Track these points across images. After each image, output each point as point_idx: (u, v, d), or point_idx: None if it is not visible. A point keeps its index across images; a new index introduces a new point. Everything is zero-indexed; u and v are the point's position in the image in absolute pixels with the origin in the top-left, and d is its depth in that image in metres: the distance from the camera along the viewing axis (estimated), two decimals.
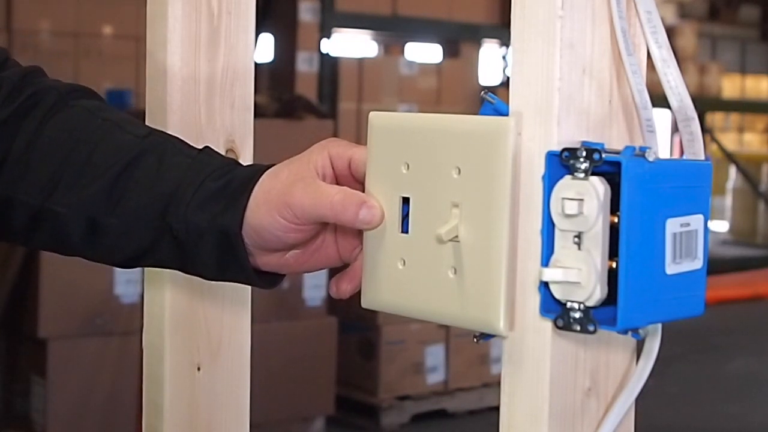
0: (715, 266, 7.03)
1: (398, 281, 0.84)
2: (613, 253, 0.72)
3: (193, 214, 0.87)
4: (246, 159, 1.06)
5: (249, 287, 1.05)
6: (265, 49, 6.36)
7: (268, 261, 0.89)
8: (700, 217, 0.76)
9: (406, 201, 0.84)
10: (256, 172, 0.88)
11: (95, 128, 0.93)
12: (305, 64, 6.13)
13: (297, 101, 4.52)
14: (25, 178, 0.92)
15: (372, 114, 0.87)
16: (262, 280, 0.90)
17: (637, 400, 0.80)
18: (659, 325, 0.78)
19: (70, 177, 0.91)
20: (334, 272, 0.90)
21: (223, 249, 0.87)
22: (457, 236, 0.80)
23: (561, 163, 0.73)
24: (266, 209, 0.85)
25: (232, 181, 0.87)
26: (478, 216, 0.79)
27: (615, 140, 0.78)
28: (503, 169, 0.77)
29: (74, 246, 0.93)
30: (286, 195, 0.84)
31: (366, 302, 0.87)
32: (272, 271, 0.90)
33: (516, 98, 0.77)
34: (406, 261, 0.84)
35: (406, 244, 0.84)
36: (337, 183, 0.87)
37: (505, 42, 7.04)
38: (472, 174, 0.79)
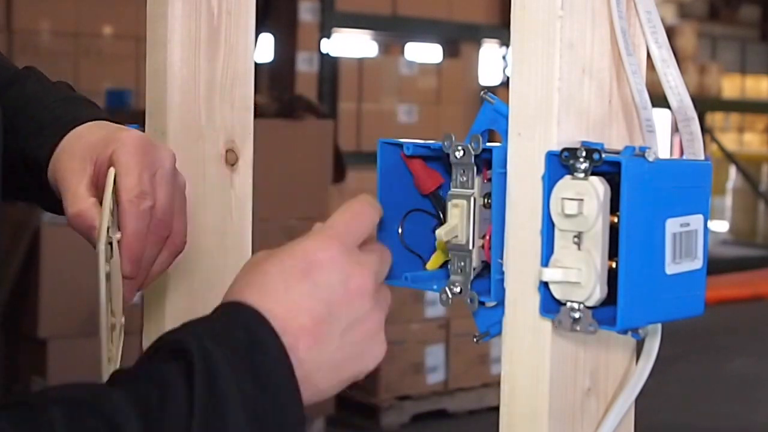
0: (715, 266, 7.02)
1: None
2: (613, 253, 0.72)
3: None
4: (246, 159, 1.06)
5: None
6: (265, 49, 6.36)
7: None
8: (700, 217, 0.76)
9: None
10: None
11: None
12: (305, 64, 6.13)
13: (297, 101, 4.51)
14: None
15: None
16: None
17: (637, 400, 0.80)
18: (659, 325, 0.78)
19: None
20: None
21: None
22: (457, 236, 0.80)
23: (561, 163, 0.73)
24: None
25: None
26: None
27: (615, 140, 0.78)
28: None
29: None
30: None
31: None
32: None
33: (516, 98, 0.77)
34: None
35: None
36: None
37: (505, 42, 7.04)
38: None
